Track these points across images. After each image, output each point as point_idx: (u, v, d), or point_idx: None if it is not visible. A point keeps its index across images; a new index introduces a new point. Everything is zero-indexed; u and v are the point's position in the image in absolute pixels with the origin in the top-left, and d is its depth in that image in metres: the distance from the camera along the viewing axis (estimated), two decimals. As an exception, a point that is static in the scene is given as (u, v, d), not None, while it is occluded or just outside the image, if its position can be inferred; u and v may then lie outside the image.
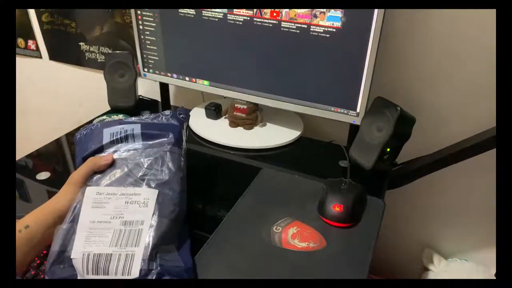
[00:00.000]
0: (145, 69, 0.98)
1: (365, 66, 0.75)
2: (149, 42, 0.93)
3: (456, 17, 0.80)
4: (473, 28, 0.80)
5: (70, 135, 0.92)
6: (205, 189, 0.73)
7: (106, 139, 0.60)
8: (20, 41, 1.31)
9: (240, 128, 0.93)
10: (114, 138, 0.61)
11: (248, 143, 0.87)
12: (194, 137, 0.90)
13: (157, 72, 0.97)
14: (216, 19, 0.83)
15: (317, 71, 0.80)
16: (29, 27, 1.25)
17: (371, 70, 0.75)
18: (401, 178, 0.86)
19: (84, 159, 0.59)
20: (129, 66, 0.96)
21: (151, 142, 0.61)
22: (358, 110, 0.80)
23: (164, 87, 1.07)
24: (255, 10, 0.79)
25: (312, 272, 0.54)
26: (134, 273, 0.49)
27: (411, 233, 1.10)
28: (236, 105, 0.92)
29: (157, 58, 0.95)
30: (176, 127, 0.64)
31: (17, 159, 0.82)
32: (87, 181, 0.56)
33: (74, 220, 0.52)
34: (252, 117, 0.92)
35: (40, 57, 1.31)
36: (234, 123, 0.93)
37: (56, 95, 1.37)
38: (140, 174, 0.57)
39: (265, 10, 0.78)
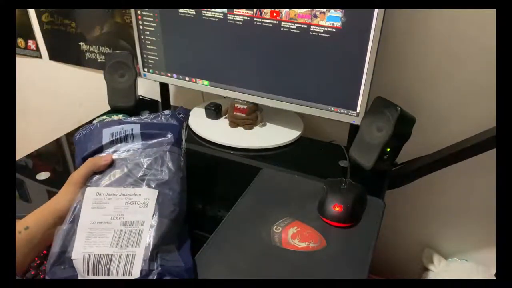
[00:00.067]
0: (145, 69, 0.98)
1: (365, 66, 0.75)
2: (149, 42, 0.93)
3: (456, 17, 0.80)
4: (473, 28, 0.80)
5: (70, 135, 0.92)
6: (205, 189, 0.73)
7: (105, 139, 0.60)
8: (20, 41, 1.31)
9: (240, 128, 0.93)
10: (114, 138, 0.61)
11: (248, 143, 0.87)
12: (194, 137, 0.90)
13: (157, 72, 0.97)
14: (216, 19, 0.83)
15: (317, 71, 0.80)
16: (29, 27, 1.25)
17: (371, 70, 0.75)
18: (401, 178, 0.86)
19: (84, 160, 0.59)
20: (129, 66, 0.96)
21: (150, 142, 0.61)
22: (358, 110, 0.80)
23: (164, 87, 1.07)
24: (255, 10, 0.79)
25: (312, 272, 0.54)
26: (135, 274, 0.49)
27: (411, 233, 1.10)
28: (236, 105, 0.92)
29: (157, 58, 0.95)
30: (175, 127, 0.64)
31: (17, 159, 0.82)
32: (87, 181, 0.56)
33: (74, 221, 0.52)
34: (252, 117, 0.92)
35: (40, 57, 1.31)
36: (234, 123, 0.93)
37: (56, 95, 1.37)
38: (140, 174, 0.57)
39: (265, 10, 0.78)
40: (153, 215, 0.53)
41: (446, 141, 0.83)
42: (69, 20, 1.18)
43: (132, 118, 0.65)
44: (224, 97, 0.93)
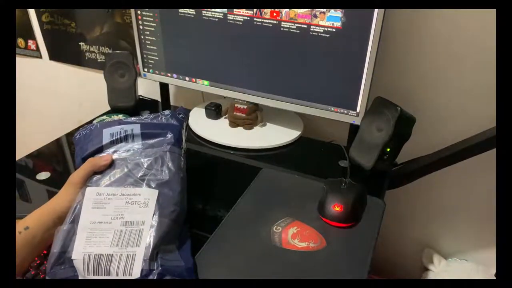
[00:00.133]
0: (145, 69, 0.98)
1: (365, 66, 0.75)
2: (149, 42, 0.93)
3: (456, 17, 0.80)
4: (473, 28, 0.80)
5: (70, 135, 0.92)
6: (205, 189, 0.73)
7: (105, 140, 0.60)
8: (20, 41, 1.31)
9: (240, 128, 0.93)
10: (114, 138, 0.61)
11: (248, 143, 0.87)
12: (194, 137, 0.90)
13: (157, 72, 0.97)
14: (216, 19, 0.83)
15: (317, 71, 0.80)
16: (29, 27, 1.25)
17: (371, 70, 0.75)
18: (401, 178, 0.86)
19: (84, 160, 0.59)
20: (129, 66, 0.96)
21: (150, 142, 0.61)
22: (358, 110, 0.80)
23: (164, 87, 1.07)
24: (255, 10, 0.79)
25: (312, 272, 0.54)
26: (135, 273, 0.49)
27: (411, 233, 1.10)
28: (236, 105, 0.92)
29: (157, 58, 0.95)
30: (175, 127, 0.64)
31: (17, 159, 0.82)
32: (87, 181, 0.56)
33: (75, 221, 0.52)
34: (252, 117, 0.92)
35: (40, 57, 1.31)
36: (234, 123, 0.93)
37: (56, 95, 1.37)
38: (140, 174, 0.57)
39: (265, 10, 0.78)
40: (153, 215, 0.53)
41: (446, 141, 0.83)
42: (69, 20, 1.18)
43: (132, 118, 0.65)
44: (224, 97, 0.93)
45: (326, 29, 0.75)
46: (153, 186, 0.56)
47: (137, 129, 0.62)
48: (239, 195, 0.68)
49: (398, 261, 1.14)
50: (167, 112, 0.67)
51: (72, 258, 0.50)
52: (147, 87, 1.10)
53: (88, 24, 1.16)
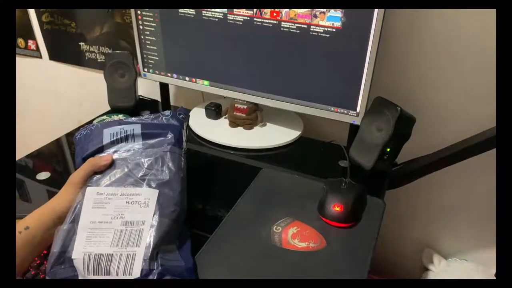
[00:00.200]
0: (145, 69, 0.98)
1: (365, 66, 0.75)
2: (149, 42, 0.93)
3: (456, 17, 0.80)
4: (473, 28, 0.80)
5: (70, 135, 0.92)
6: (205, 189, 0.73)
7: (106, 140, 0.60)
8: (20, 41, 1.31)
9: (240, 128, 0.93)
10: (114, 138, 0.61)
11: (248, 143, 0.87)
12: (194, 137, 0.90)
13: (157, 72, 0.97)
14: (216, 19, 0.83)
15: (317, 71, 0.80)
16: (29, 27, 1.25)
17: (371, 70, 0.75)
18: (401, 178, 0.86)
19: (84, 160, 0.59)
20: (129, 66, 0.96)
21: (151, 142, 0.61)
22: (358, 110, 0.80)
23: (164, 87, 1.07)
24: (255, 10, 0.79)
25: (312, 272, 0.54)
26: (135, 273, 0.49)
27: (411, 233, 1.10)
28: (236, 105, 0.92)
29: (157, 58, 0.95)
30: (176, 127, 0.65)
31: (17, 159, 0.82)
32: (87, 181, 0.56)
33: (75, 221, 0.52)
34: (252, 117, 0.92)
35: (40, 57, 1.31)
36: (234, 123, 0.93)
37: (56, 95, 1.37)
38: (140, 174, 0.57)
39: (265, 10, 0.78)
40: (153, 215, 0.53)
41: (446, 141, 0.83)
42: (69, 20, 1.18)
43: (133, 119, 0.65)
44: (224, 97, 0.93)
45: (326, 29, 0.75)
46: (154, 186, 0.56)
47: (137, 129, 0.62)
48: (239, 195, 0.68)
49: (398, 261, 1.14)
50: (167, 112, 0.67)
51: (72, 257, 0.50)
52: (147, 87, 1.11)
53: (88, 24, 1.16)
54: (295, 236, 0.59)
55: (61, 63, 1.28)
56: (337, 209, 0.61)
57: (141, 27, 0.92)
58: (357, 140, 0.79)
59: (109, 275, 0.49)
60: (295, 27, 0.77)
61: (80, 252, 0.50)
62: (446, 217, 1.03)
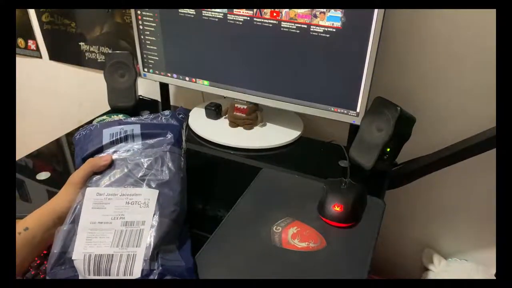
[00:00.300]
0: (145, 69, 0.98)
1: (365, 66, 0.75)
2: (149, 42, 0.93)
3: (456, 17, 0.80)
4: (473, 28, 0.80)
5: (70, 135, 0.92)
6: (205, 189, 0.73)
7: (105, 140, 0.60)
8: (20, 41, 1.31)
9: (240, 128, 0.93)
10: (114, 138, 0.61)
11: (248, 143, 0.87)
12: (194, 137, 0.90)
13: (157, 72, 0.97)
14: (216, 19, 0.83)
15: (317, 71, 0.80)
16: (29, 27, 1.25)
17: (371, 70, 0.75)
18: (401, 178, 0.86)
19: (84, 160, 0.59)
20: (129, 66, 0.96)
21: (150, 142, 0.61)
22: (358, 110, 0.80)
23: (164, 87, 1.07)
24: (255, 10, 0.79)
25: (312, 272, 0.54)
26: (136, 273, 0.49)
27: (411, 233, 1.10)
28: (236, 105, 0.92)
29: (157, 58, 0.95)
30: (175, 127, 0.65)
31: (17, 159, 0.82)
32: (87, 182, 0.56)
33: (75, 221, 0.52)
34: (252, 117, 0.92)
35: (40, 57, 1.31)
36: (234, 123, 0.93)
37: (56, 95, 1.37)
38: (140, 174, 0.57)
39: (265, 10, 0.78)
40: (153, 215, 0.53)
41: (446, 141, 0.83)
42: (69, 20, 1.18)
43: (132, 119, 0.65)
44: (224, 97, 0.93)
45: (326, 29, 0.75)
46: (153, 186, 0.56)
47: (137, 129, 0.62)
48: (239, 195, 0.68)
49: (398, 261, 1.14)
50: (167, 112, 0.67)
51: (73, 258, 0.50)
52: (147, 87, 1.11)
53: (88, 24, 1.16)
54: (295, 236, 0.59)
55: (61, 63, 1.28)
56: (337, 209, 0.61)
57: (141, 27, 0.92)
58: (357, 140, 0.79)
59: (109, 275, 0.49)
60: (295, 27, 0.77)
61: (80, 252, 0.50)
62: (446, 217, 1.03)
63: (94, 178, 0.57)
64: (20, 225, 0.51)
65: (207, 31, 0.85)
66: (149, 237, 0.51)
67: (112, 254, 0.50)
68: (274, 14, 0.77)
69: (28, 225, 0.51)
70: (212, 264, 0.55)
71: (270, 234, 0.59)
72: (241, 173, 0.80)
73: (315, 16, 0.74)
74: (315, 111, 0.84)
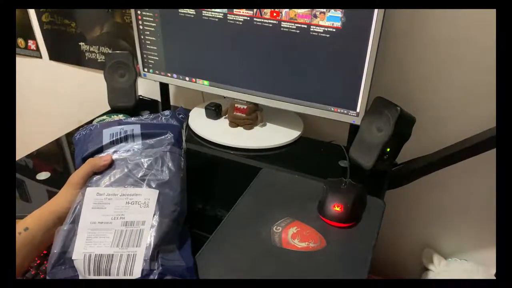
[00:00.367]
0: (145, 69, 0.98)
1: (365, 66, 0.75)
2: (149, 42, 0.93)
3: (456, 17, 0.80)
4: (473, 28, 0.80)
5: (70, 135, 0.92)
6: (205, 189, 0.73)
7: (105, 140, 0.60)
8: (20, 41, 1.31)
9: (240, 128, 0.93)
10: (114, 138, 0.61)
11: (248, 143, 0.87)
12: (194, 137, 0.90)
13: (157, 72, 0.97)
14: (216, 19, 0.83)
15: (317, 71, 0.80)
16: (29, 27, 1.25)
17: (371, 70, 0.75)
18: (401, 178, 0.86)
19: (84, 160, 0.59)
20: (129, 66, 0.96)
21: (150, 142, 0.61)
22: (358, 110, 0.80)
23: (164, 87, 1.07)
24: (255, 10, 0.79)
25: (312, 272, 0.54)
26: (136, 273, 0.49)
27: (411, 233, 1.10)
28: (236, 105, 0.92)
29: (157, 58, 0.95)
30: (175, 127, 0.65)
31: (17, 159, 0.82)
32: (87, 182, 0.56)
33: (75, 221, 0.52)
34: (252, 117, 0.92)
35: (40, 57, 1.31)
36: (234, 123, 0.93)
37: (56, 95, 1.37)
38: (140, 174, 0.57)
39: (265, 10, 0.78)
40: (153, 215, 0.53)
41: (446, 141, 0.83)
42: (69, 20, 1.18)
43: (132, 119, 0.65)
44: (224, 97, 0.93)
45: (326, 29, 0.75)
46: (154, 186, 0.56)
47: (137, 129, 0.62)
48: (239, 195, 0.68)
49: (398, 261, 1.14)
50: (167, 112, 0.67)
51: (73, 258, 0.50)
52: (147, 87, 1.11)
53: (88, 24, 1.16)
54: (295, 236, 0.59)
55: (61, 63, 1.28)
56: (337, 209, 0.61)
57: (141, 27, 0.92)
58: (357, 140, 0.79)
59: (109, 275, 0.49)
60: (295, 27, 0.77)
61: (80, 252, 0.50)
62: (446, 217, 1.03)
63: (94, 178, 0.57)
64: (20, 225, 0.51)
65: (207, 31, 0.85)
66: (149, 237, 0.51)
67: (112, 254, 0.50)
68: (274, 14, 0.77)
69: (28, 225, 0.51)
70: (212, 264, 0.55)
71: (270, 234, 0.59)
72: (241, 173, 0.80)
73: (315, 16, 0.74)
74: (315, 111, 0.84)
